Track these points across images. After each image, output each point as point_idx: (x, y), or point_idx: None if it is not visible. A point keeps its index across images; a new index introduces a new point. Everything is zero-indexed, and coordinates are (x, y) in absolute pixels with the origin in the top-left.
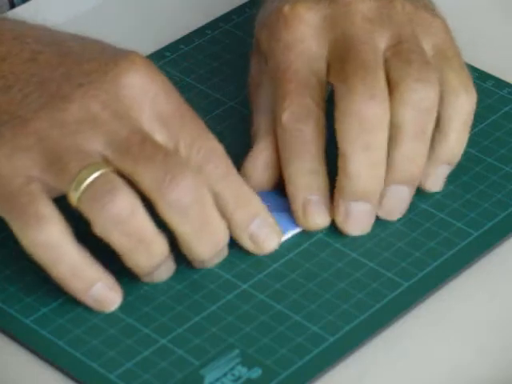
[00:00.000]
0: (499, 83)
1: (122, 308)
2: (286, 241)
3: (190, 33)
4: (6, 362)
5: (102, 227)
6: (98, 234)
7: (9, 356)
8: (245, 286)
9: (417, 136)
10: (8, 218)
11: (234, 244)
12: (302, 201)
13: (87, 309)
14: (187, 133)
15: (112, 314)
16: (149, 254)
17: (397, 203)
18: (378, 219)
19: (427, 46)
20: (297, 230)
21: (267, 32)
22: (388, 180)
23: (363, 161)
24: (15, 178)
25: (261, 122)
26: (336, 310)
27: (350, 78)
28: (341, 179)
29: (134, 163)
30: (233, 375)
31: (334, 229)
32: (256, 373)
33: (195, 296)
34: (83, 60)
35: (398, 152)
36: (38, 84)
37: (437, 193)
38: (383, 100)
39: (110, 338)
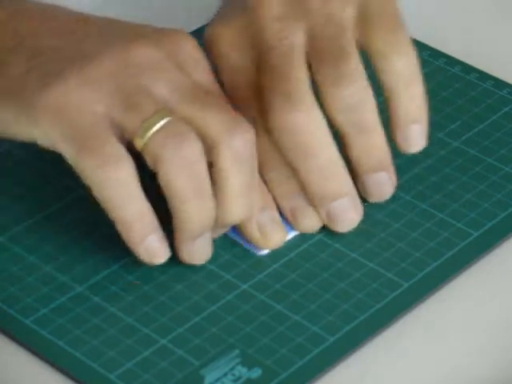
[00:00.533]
0: (499, 83)
1: (122, 308)
2: (285, 241)
3: (190, 33)
4: (6, 362)
5: (168, 168)
6: (161, 175)
7: (9, 356)
8: (245, 286)
9: (360, 130)
10: (76, 156)
11: (234, 244)
12: (289, 208)
13: (87, 309)
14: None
15: (112, 314)
16: (202, 208)
17: (380, 188)
18: (377, 220)
19: (349, 14)
20: (297, 232)
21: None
22: (359, 173)
23: (312, 167)
24: (85, 112)
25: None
26: (336, 309)
27: (266, 92)
28: (305, 189)
29: (202, 108)
30: (233, 375)
31: None
32: (256, 373)
33: (195, 296)
34: (133, 25)
35: (352, 149)
36: (97, 33)
37: (437, 193)
38: (305, 106)
39: (110, 338)
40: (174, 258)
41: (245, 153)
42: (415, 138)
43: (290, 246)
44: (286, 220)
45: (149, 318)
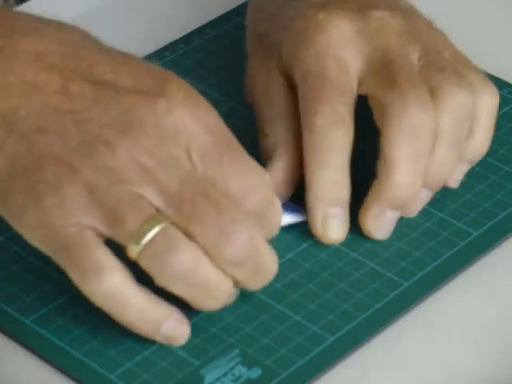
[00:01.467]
0: (499, 83)
1: None
2: (285, 241)
3: (190, 33)
4: (6, 363)
5: (167, 282)
6: (162, 287)
7: (9, 356)
8: None
9: (453, 143)
10: (66, 268)
11: None
12: (323, 213)
13: (87, 309)
14: (225, 168)
15: None
16: (216, 298)
17: (418, 205)
18: None
19: (447, 55)
20: (297, 220)
21: (293, 37)
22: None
23: (409, 170)
24: (68, 227)
25: (277, 134)
26: (336, 309)
27: (398, 84)
28: (382, 185)
29: (187, 221)
30: (233, 375)
31: None
32: (256, 373)
33: None
34: (119, 93)
35: (433, 158)
36: (74, 125)
37: (437, 193)
38: (431, 108)
39: (110, 338)
40: None
41: (241, 256)
42: (462, 174)
43: (290, 245)
44: (294, 206)
45: None
